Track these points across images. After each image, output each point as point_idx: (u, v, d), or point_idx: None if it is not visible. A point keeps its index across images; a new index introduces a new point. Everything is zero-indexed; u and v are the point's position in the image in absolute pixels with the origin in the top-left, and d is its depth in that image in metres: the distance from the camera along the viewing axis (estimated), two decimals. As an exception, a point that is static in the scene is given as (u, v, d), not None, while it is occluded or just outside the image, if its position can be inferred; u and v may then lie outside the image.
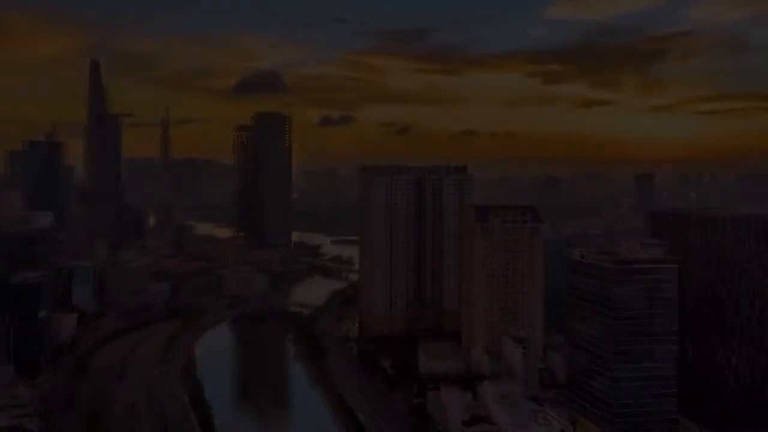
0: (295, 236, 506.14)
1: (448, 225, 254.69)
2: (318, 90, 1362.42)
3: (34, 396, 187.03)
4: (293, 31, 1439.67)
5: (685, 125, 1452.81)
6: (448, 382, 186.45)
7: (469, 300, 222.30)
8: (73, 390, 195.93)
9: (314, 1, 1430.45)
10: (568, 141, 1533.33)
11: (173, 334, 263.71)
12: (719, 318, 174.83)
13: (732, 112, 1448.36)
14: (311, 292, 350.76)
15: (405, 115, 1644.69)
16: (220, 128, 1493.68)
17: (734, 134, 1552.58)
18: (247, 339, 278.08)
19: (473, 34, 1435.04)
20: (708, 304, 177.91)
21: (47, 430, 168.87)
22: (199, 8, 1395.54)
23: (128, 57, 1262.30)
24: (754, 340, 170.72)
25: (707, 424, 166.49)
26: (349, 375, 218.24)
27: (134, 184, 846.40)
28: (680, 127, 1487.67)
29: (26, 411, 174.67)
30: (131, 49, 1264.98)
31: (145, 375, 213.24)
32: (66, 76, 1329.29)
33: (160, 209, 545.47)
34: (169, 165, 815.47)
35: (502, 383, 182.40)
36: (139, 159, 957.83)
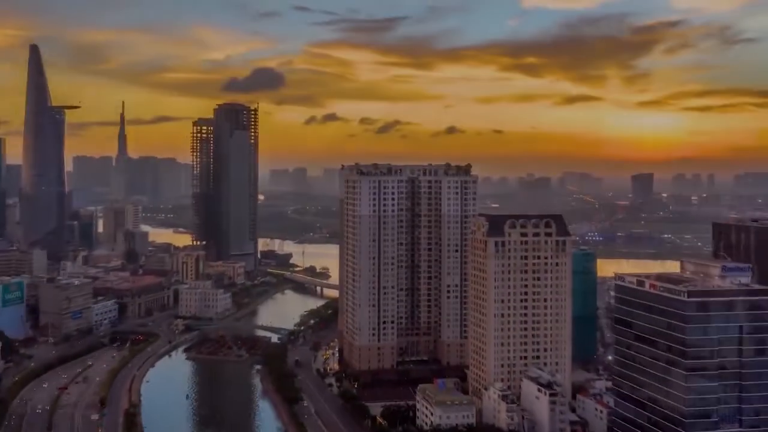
0: (262, 244, 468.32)
1: (448, 236, 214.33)
2: (282, 84, 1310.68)
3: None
4: (252, 20, 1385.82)
5: (675, 122, 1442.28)
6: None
7: (477, 331, 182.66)
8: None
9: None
10: (554, 139, 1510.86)
11: (117, 366, 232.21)
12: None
13: (723, 108, 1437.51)
14: (282, 312, 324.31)
15: (378, 112, 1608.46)
16: (184, 126, 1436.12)
17: (727, 131, 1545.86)
18: (205, 372, 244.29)
19: (445, 24, 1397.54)
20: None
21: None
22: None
23: (79, 49, 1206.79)
24: None
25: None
26: (330, 423, 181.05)
27: (88, 185, 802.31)
28: (670, 124, 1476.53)
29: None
30: (81, 41, 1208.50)
31: (79, 422, 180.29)
32: (10, 71, 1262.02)
33: (110, 213, 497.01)
34: (124, 165, 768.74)
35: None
36: (95, 159, 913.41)
